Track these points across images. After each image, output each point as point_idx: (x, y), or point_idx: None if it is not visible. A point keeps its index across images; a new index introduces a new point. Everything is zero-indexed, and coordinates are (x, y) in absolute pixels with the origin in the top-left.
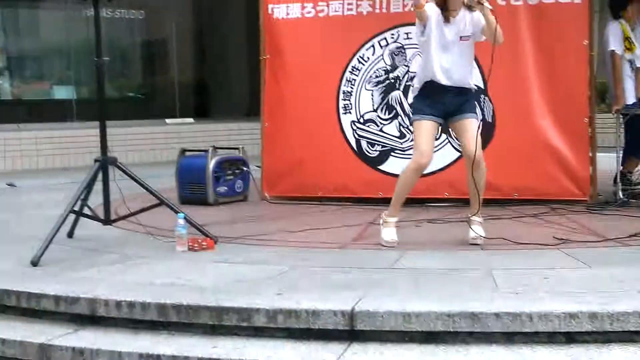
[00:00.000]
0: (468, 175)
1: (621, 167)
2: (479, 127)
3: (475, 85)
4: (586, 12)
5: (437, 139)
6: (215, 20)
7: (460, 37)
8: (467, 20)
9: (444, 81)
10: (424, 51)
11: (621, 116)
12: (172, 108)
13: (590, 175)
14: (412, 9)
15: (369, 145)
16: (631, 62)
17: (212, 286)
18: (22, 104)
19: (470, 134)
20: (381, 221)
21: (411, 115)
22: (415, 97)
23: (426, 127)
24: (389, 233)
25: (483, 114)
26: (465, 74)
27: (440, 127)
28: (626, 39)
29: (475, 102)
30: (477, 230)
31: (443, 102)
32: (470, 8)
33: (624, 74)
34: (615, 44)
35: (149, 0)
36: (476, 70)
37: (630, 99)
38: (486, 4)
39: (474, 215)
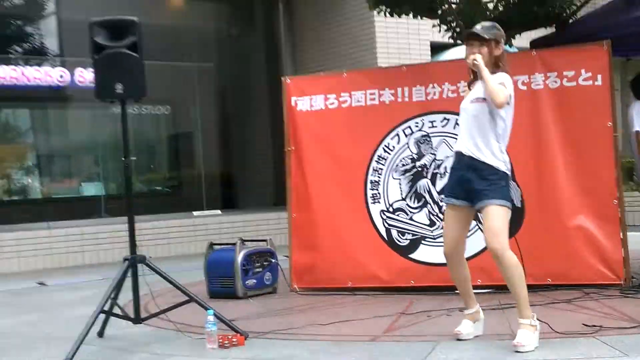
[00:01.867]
0: (500, 271)
1: None
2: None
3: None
4: (607, 93)
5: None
6: (240, 112)
7: (472, 100)
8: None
9: (455, 147)
10: None
11: None
12: (199, 200)
13: (623, 257)
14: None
15: (399, 234)
16: None
17: None
18: (52, 201)
19: (487, 225)
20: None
21: None
22: None
23: (447, 212)
24: (461, 326)
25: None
26: (478, 144)
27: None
28: None
29: (504, 185)
30: (520, 337)
31: (460, 179)
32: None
33: None
34: (639, 124)
35: (175, 95)
36: (505, 156)
37: None
38: (477, 61)
39: (519, 317)
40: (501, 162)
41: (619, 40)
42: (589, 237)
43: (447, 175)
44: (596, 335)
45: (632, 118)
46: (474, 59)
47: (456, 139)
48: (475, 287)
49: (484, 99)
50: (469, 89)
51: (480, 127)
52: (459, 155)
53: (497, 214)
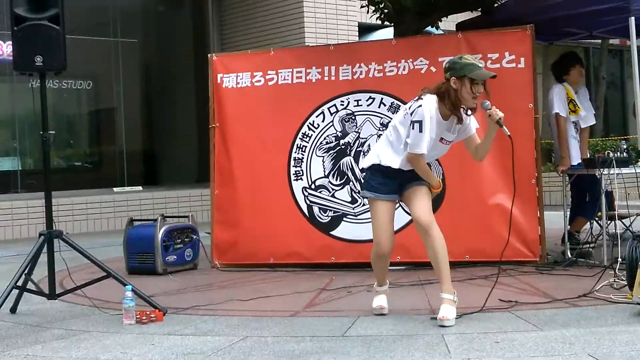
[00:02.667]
0: (425, 246)
1: (569, 227)
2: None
3: None
4: (530, 76)
5: None
6: (164, 88)
7: (441, 139)
8: (459, 125)
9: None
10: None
11: (567, 176)
12: (120, 176)
13: (539, 235)
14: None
15: (321, 211)
16: (576, 123)
17: None
18: None
19: (417, 200)
20: (372, 290)
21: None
22: (369, 171)
23: (382, 208)
24: (377, 300)
25: None
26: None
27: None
28: (570, 101)
29: None
30: (444, 311)
31: (397, 184)
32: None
33: (568, 135)
34: (559, 107)
35: (97, 70)
36: None
37: (576, 160)
38: (504, 128)
39: (443, 292)
40: None
41: (541, 25)
42: (507, 215)
43: (373, 173)
44: (512, 310)
45: (552, 100)
46: (500, 118)
47: (381, 117)
48: (394, 264)
49: (448, 142)
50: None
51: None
52: (401, 171)
53: (425, 191)
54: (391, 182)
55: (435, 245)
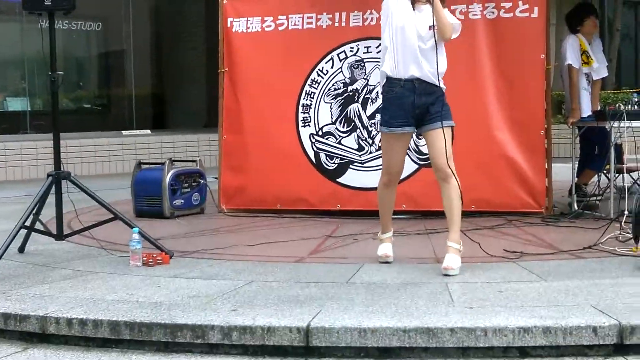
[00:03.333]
0: (441, 192)
1: (576, 179)
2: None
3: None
4: (543, 26)
5: None
6: (174, 32)
7: (429, 27)
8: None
9: (400, 74)
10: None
11: (577, 129)
12: (128, 120)
13: (546, 187)
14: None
15: (328, 158)
16: (588, 75)
17: (166, 302)
18: None
19: (439, 145)
20: (377, 238)
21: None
22: (383, 102)
23: (393, 140)
24: (382, 248)
25: None
26: (431, 69)
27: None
28: (583, 52)
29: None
30: (448, 260)
31: (412, 105)
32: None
33: (580, 87)
34: (572, 58)
35: (106, 12)
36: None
37: (586, 112)
38: None
39: (450, 240)
40: (444, 87)
41: None
42: (514, 165)
43: (385, 103)
44: (516, 261)
45: (565, 51)
46: None
47: None
48: (399, 212)
49: (436, 26)
50: (412, 8)
51: (431, 52)
52: (409, 82)
53: (448, 135)
54: (405, 110)
55: (452, 194)
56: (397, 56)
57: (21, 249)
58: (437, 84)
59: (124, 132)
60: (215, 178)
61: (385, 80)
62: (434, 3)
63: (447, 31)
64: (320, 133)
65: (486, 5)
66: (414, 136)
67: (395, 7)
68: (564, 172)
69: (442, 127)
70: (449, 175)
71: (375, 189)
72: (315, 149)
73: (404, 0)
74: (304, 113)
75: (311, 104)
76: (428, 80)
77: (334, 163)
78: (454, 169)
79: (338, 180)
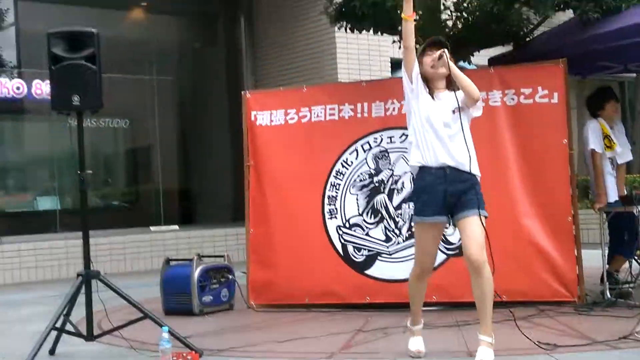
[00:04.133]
0: (472, 283)
1: (607, 266)
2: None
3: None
4: (563, 111)
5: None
6: (199, 126)
7: (453, 110)
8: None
9: (430, 162)
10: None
11: (604, 214)
12: (156, 215)
13: (577, 275)
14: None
15: (356, 250)
16: (612, 159)
17: None
18: (5, 215)
19: (472, 234)
20: (407, 331)
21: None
22: (413, 193)
23: (425, 230)
24: (413, 343)
25: None
26: (464, 155)
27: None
28: (606, 137)
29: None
30: (482, 354)
31: (444, 193)
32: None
33: (605, 171)
34: (594, 143)
35: (134, 108)
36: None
37: (613, 197)
38: (445, 55)
39: (482, 334)
40: (479, 172)
41: (575, 59)
42: (544, 254)
43: (417, 190)
44: (551, 353)
45: (588, 136)
46: (442, 53)
47: None
48: (429, 304)
49: (462, 108)
50: (432, 98)
51: (464, 136)
52: (440, 170)
53: (480, 224)
54: (436, 198)
55: (484, 286)
56: (425, 146)
57: (52, 352)
58: (469, 171)
59: (152, 228)
60: (244, 272)
61: (417, 171)
62: (451, 68)
63: (473, 90)
64: (347, 225)
65: (506, 92)
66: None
67: (415, 101)
68: (593, 259)
69: (477, 215)
70: (481, 267)
71: (404, 280)
72: (342, 241)
73: (423, 92)
74: (330, 205)
75: (337, 196)
76: (460, 167)
77: (362, 255)
78: (486, 260)
79: (366, 272)
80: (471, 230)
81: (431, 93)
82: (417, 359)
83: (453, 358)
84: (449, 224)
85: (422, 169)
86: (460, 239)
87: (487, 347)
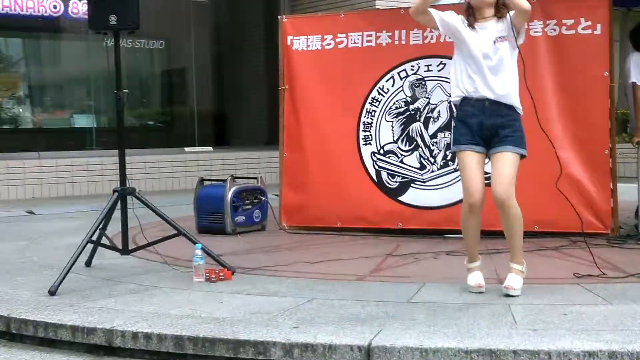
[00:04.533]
0: (501, 217)
1: None
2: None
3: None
4: (606, 43)
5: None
6: (235, 50)
7: (495, 40)
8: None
9: (470, 93)
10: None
11: None
12: (191, 137)
13: (612, 208)
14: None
15: (389, 177)
16: None
17: (229, 318)
18: (43, 131)
19: (500, 171)
20: (466, 267)
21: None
22: (453, 127)
23: (468, 159)
24: (472, 277)
25: None
26: (505, 86)
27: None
28: None
29: (522, 131)
30: (511, 280)
31: (480, 125)
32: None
33: None
34: (636, 76)
35: (169, 30)
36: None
37: None
38: None
39: (512, 262)
40: (520, 105)
41: None
42: (579, 186)
43: (456, 123)
44: (581, 283)
45: (630, 69)
46: None
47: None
48: (458, 232)
49: (504, 37)
50: (473, 29)
51: (505, 68)
52: (480, 102)
53: (513, 162)
54: (472, 129)
55: (510, 220)
56: (465, 78)
57: (88, 263)
58: (510, 104)
59: (186, 149)
60: (276, 195)
61: (459, 103)
62: None
63: (518, 4)
64: (381, 151)
65: (547, 22)
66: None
67: (454, 31)
68: (629, 193)
69: (510, 152)
70: (505, 205)
71: (437, 208)
72: (376, 167)
73: (460, 27)
74: (365, 131)
75: (372, 122)
76: (500, 100)
77: (395, 182)
78: (513, 198)
79: (399, 198)
80: (501, 167)
81: (473, 23)
82: (478, 292)
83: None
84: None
85: (463, 100)
86: None
87: (515, 274)
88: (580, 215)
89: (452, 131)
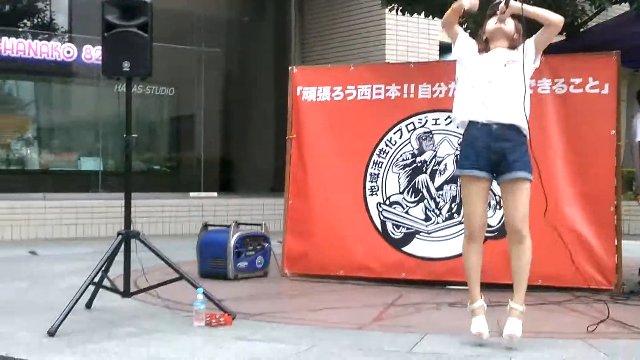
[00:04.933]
0: (510, 252)
1: None
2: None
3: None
4: (613, 102)
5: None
6: (244, 98)
7: (506, 64)
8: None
9: (477, 117)
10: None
11: None
12: (196, 182)
13: (616, 264)
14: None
15: (394, 227)
16: None
17: None
18: (50, 173)
19: (517, 202)
20: (468, 310)
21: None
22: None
23: (470, 186)
24: (475, 324)
25: None
26: (513, 109)
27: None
28: None
29: (529, 155)
30: (511, 327)
31: (486, 149)
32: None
33: None
34: None
35: (180, 78)
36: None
37: None
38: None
39: (514, 302)
40: (527, 128)
41: (627, 52)
42: (584, 241)
43: (461, 146)
44: (585, 338)
45: (636, 128)
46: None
47: (459, 137)
48: (462, 283)
49: (515, 61)
50: (484, 53)
51: (514, 91)
52: (486, 126)
53: (526, 190)
54: (477, 152)
55: (523, 256)
56: (473, 100)
57: (88, 305)
58: (517, 128)
59: (191, 194)
60: (280, 242)
61: (465, 126)
62: (523, 7)
63: (549, 15)
64: (387, 202)
65: (555, 80)
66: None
67: (465, 53)
68: (634, 249)
69: (522, 177)
70: (521, 235)
71: (440, 259)
72: (382, 217)
73: (471, 53)
74: (371, 182)
75: (379, 174)
76: (507, 122)
77: (400, 232)
78: (528, 228)
79: (404, 249)
80: (516, 198)
81: (486, 49)
82: (478, 343)
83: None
84: (492, 182)
85: (470, 124)
86: (500, 221)
87: (517, 318)
88: (581, 269)
89: (459, 156)
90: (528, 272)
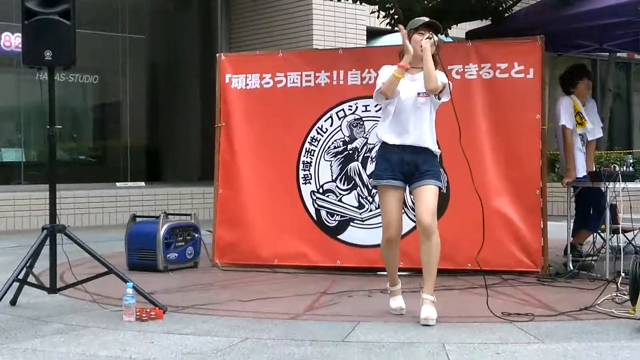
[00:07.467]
0: (420, 249)
1: (572, 239)
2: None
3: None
4: (538, 87)
5: None
6: (170, 86)
7: (421, 94)
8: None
9: (390, 140)
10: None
11: (572, 189)
12: (123, 171)
13: (542, 246)
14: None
15: (329, 215)
16: (582, 136)
17: (160, 359)
18: None
19: (424, 202)
20: (388, 292)
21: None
22: (375, 160)
23: (386, 195)
24: (394, 301)
25: None
26: (423, 134)
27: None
28: (577, 113)
29: (439, 170)
30: (426, 311)
31: (401, 161)
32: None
33: (575, 147)
34: (566, 119)
35: (104, 65)
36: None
37: (581, 172)
38: (430, 40)
39: (426, 293)
40: (438, 150)
41: (550, 36)
42: (510, 225)
43: (377, 159)
44: (513, 321)
45: (559, 112)
46: (428, 37)
47: None
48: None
49: (426, 94)
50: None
51: (425, 118)
52: (400, 147)
53: (435, 194)
54: (394, 165)
55: (432, 251)
56: (391, 124)
57: (13, 302)
58: (428, 147)
59: (117, 184)
60: (209, 231)
61: (380, 143)
62: (424, 54)
63: (431, 80)
64: (321, 190)
65: (482, 65)
66: (410, 195)
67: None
68: (558, 231)
69: (432, 184)
70: (430, 232)
71: (374, 246)
72: (316, 206)
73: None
74: (304, 170)
75: (311, 162)
76: (419, 144)
77: (334, 220)
78: (436, 226)
79: (338, 237)
80: (425, 198)
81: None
82: (399, 315)
83: (417, 323)
84: (406, 190)
85: (384, 144)
86: None
87: (429, 305)
88: (511, 253)
89: (375, 166)
90: (436, 267)
